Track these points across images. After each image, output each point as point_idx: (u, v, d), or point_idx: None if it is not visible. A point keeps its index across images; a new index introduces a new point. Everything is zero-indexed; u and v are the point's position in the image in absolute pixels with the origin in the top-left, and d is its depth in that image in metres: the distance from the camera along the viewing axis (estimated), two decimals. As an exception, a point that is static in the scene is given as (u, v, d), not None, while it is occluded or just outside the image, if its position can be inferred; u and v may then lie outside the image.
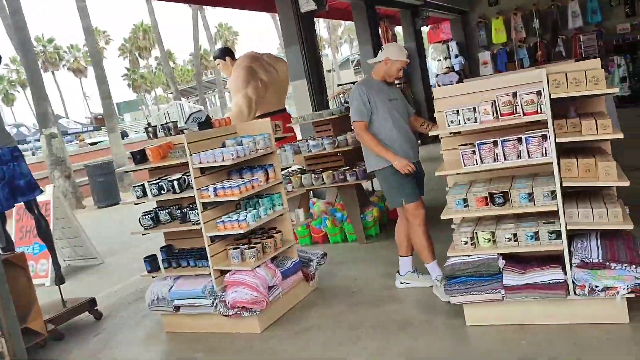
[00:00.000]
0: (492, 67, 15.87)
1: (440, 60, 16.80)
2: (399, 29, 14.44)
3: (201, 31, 41.56)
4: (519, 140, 3.41)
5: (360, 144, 4.54)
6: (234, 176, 4.67)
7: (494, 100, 3.53)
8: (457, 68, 15.51)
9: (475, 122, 3.53)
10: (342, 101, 8.15)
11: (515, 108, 3.46)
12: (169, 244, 4.87)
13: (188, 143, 4.27)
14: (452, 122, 3.59)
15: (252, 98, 7.44)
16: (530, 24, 15.43)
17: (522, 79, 3.60)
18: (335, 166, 6.42)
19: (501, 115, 3.50)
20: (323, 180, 6.28)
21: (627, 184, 3.25)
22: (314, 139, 6.43)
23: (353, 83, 8.76)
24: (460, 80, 13.74)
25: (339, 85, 8.97)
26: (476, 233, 3.64)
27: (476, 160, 3.53)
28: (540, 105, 3.32)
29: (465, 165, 3.57)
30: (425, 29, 16.96)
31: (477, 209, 3.60)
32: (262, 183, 4.56)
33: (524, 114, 3.37)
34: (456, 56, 16.04)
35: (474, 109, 3.51)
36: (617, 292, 3.28)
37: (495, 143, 3.47)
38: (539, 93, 3.31)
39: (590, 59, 3.55)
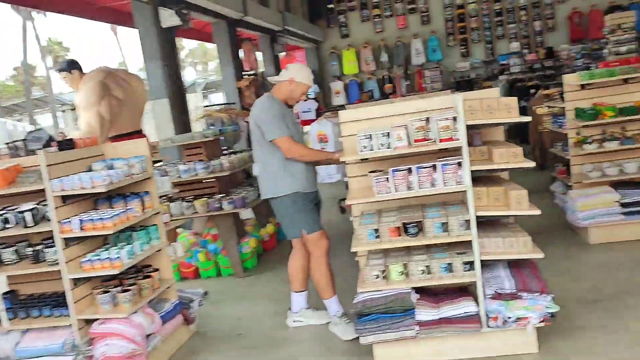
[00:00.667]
0: (345, 96, 16.35)
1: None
2: (259, 54, 14.27)
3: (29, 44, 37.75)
4: (434, 167, 3.27)
5: (240, 169, 4.13)
6: (101, 205, 3.96)
7: (406, 126, 3.37)
8: (312, 96, 15.68)
9: (389, 148, 3.32)
10: (209, 124, 7.64)
11: (428, 134, 3.33)
12: (13, 290, 3.98)
13: (47, 165, 3.52)
14: (364, 147, 3.34)
15: (104, 117, 6.59)
16: (379, 57, 16.21)
17: (433, 105, 3.50)
18: (209, 193, 5.88)
19: (414, 141, 3.34)
20: (195, 209, 5.70)
21: (538, 212, 3.25)
22: (185, 164, 5.84)
23: (223, 104, 8.29)
24: (319, 108, 13.88)
25: (205, 106, 8.43)
26: (388, 266, 3.41)
27: (389, 188, 3.31)
28: (456, 131, 3.22)
29: (378, 194, 3.33)
30: (280, 56, 16.99)
31: (390, 239, 3.38)
32: (138, 214, 3.91)
33: (440, 141, 3.24)
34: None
35: (388, 134, 3.31)
36: (529, 322, 3.25)
37: (409, 170, 3.29)
38: (454, 119, 3.20)
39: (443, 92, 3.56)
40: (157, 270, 4.08)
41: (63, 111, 25.45)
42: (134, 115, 7.34)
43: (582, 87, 5.13)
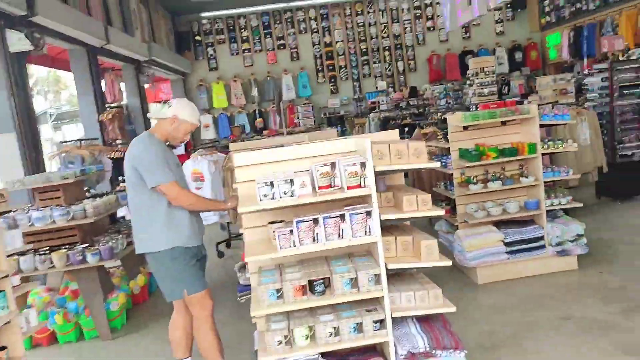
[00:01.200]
0: (214, 130, 15.83)
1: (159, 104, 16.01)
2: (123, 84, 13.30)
3: None
4: (342, 217, 2.97)
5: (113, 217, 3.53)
6: None
7: (310, 171, 3.05)
8: (179, 129, 14.95)
9: (292, 196, 2.96)
10: (67, 162, 6.75)
11: (334, 180, 3.03)
12: None
13: None
14: (264, 196, 2.95)
15: None
16: (249, 91, 15.96)
17: (336, 148, 3.22)
18: (69, 243, 5.09)
19: (319, 188, 3.02)
20: (52, 262, 4.88)
21: (449, 263, 3.08)
22: (39, 210, 5.00)
23: (84, 139, 7.41)
24: (188, 143, 13.19)
25: (62, 142, 7.48)
26: (292, 330, 3.01)
27: (294, 242, 2.94)
28: (364, 178, 2.95)
29: (281, 248, 2.95)
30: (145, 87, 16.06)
31: (295, 299, 2.99)
32: (-21, 280, 3.15)
33: (347, 188, 2.95)
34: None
35: (291, 180, 2.96)
36: (443, 381, 3.02)
37: (315, 221, 2.95)
38: (363, 165, 2.94)
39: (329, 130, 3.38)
40: (4, 348, 3.30)
41: None
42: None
43: (465, 127, 5.20)
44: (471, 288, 5.03)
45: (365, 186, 2.95)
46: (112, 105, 9.71)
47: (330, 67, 16.34)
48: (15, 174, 6.40)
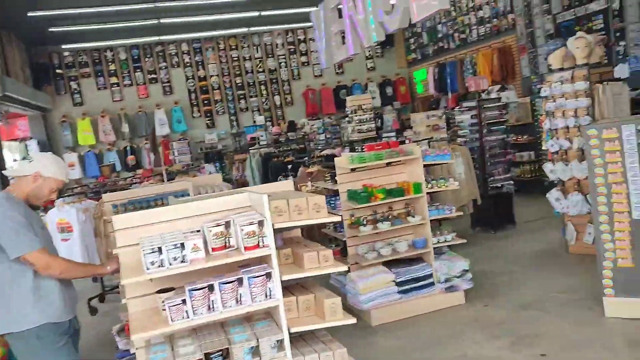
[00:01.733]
0: (80, 170, 14.71)
1: (17, 160, 14.54)
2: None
3: None
4: (240, 281, 2.72)
5: None
6: None
7: (202, 232, 2.78)
8: (40, 170, 13.67)
9: (184, 262, 2.67)
10: None
11: (229, 240, 2.78)
12: None
13: None
14: (152, 263, 2.62)
15: None
16: (120, 127, 15.10)
17: (228, 204, 2.98)
18: None
19: (212, 250, 2.76)
20: None
21: (354, 321, 2.93)
22: None
23: None
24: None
25: None
26: (187, 412, 2.68)
27: (187, 313, 2.64)
28: (263, 237, 2.74)
29: (173, 321, 2.62)
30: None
31: (189, 377, 2.67)
32: None
33: (245, 249, 2.71)
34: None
35: (182, 244, 2.66)
36: None
37: (210, 287, 2.67)
38: (261, 223, 2.72)
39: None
40: None
41: None
42: None
43: (352, 169, 5.18)
44: (367, 330, 4.96)
45: (264, 246, 2.74)
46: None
47: (206, 102, 15.99)
48: None
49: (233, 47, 16.14)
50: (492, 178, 7.54)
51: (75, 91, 15.02)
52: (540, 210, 8.61)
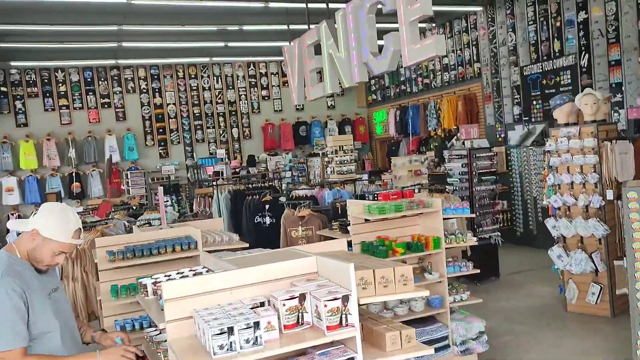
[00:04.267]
0: (20, 195, 13.58)
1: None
2: None
3: None
4: (319, 368, 2.28)
5: None
6: None
7: (272, 303, 2.33)
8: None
9: (257, 344, 2.20)
10: None
11: (302, 316, 2.34)
12: None
13: None
14: (221, 347, 2.14)
15: None
16: (66, 152, 14.12)
17: (293, 269, 2.54)
18: None
19: (284, 328, 2.31)
20: None
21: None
22: None
23: None
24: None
25: None
26: None
27: (259, 408, 2.16)
28: (347, 315, 2.32)
29: (242, 420, 2.13)
30: None
31: None
32: None
33: (327, 329, 2.28)
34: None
35: (256, 323, 2.19)
36: None
37: (287, 377, 2.22)
38: (345, 298, 2.30)
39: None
40: None
41: None
42: None
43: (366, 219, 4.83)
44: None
45: (347, 325, 2.31)
46: None
47: (160, 130, 15.29)
48: None
49: (192, 75, 15.61)
50: (480, 229, 7.39)
51: (20, 111, 13.96)
52: (521, 263, 8.54)
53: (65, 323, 2.62)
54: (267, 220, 8.02)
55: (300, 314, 2.35)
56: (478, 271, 5.04)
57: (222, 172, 11.69)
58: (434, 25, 13.30)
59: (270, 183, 10.47)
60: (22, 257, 2.54)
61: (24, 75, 13.98)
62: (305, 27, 7.87)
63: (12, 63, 13.41)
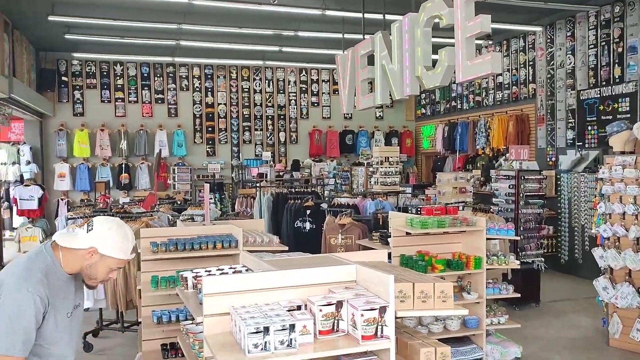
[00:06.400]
0: (70, 181, 14.06)
1: (6, 164, 13.80)
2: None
3: None
4: (351, 377, 2.26)
5: None
6: None
7: (308, 308, 2.33)
8: (28, 176, 13.00)
9: (291, 346, 2.20)
10: None
11: (338, 324, 2.34)
12: None
13: None
14: (255, 346, 2.15)
15: None
16: (118, 144, 14.54)
17: (330, 276, 2.54)
18: None
19: (319, 334, 2.30)
20: None
21: None
22: None
23: None
24: (44, 197, 11.42)
25: None
26: None
27: (289, 411, 2.16)
28: (383, 326, 2.30)
29: (271, 421, 2.14)
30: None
31: None
32: None
33: (363, 338, 2.27)
34: (28, 163, 13.50)
35: (291, 326, 2.20)
36: None
37: (318, 382, 2.21)
38: (382, 310, 2.29)
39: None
40: None
41: None
42: None
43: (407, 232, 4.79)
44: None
45: (383, 337, 2.29)
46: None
47: (210, 129, 15.58)
48: None
49: (245, 77, 15.85)
50: (523, 253, 7.21)
51: (78, 101, 14.49)
52: (564, 290, 8.29)
53: (70, 342, 2.57)
54: (307, 225, 8.04)
55: (336, 321, 2.34)
56: (518, 295, 4.91)
57: (266, 175, 11.80)
58: (490, 42, 13.10)
59: (313, 189, 10.51)
60: (64, 270, 2.47)
61: (84, 67, 14.51)
62: (360, 36, 7.91)
63: (75, 54, 13.93)
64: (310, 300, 2.36)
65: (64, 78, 14.35)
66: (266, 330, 2.16)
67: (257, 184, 10.83)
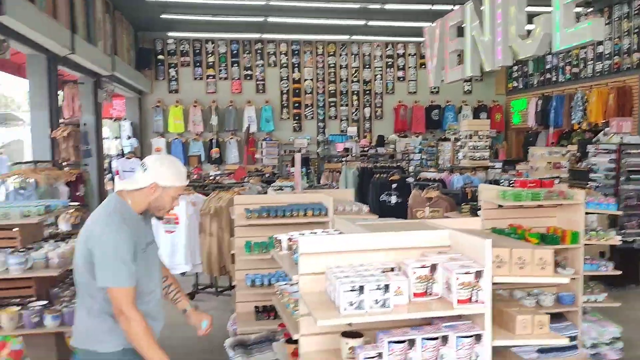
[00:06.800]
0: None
1: (109, 139, 14.77)
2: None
3: None
4: (444, 339, 2.28)
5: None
6: None
7: (402, 270, 2.36)
8: (128, 150, 13.81)
9: (385, 306, 2.25)
10: (18, 187, 5.67)
11: (432, 287, 2.35)
12: None
13: None
14: (351, 304, 2.22)
15: None
16: (209, 119, 15.09)
17: (423, 240, 2.55)
18: (21, 296, 4.08)
19: (413, 296, 2.33)
20: (-1, 323, 3.86)
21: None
22: (-12, 254, 3.98)
23: (36, 162, 6.35)
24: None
25: (14, 164, 6.38)
26: None
27: (382, 368, 2.22)
28: (478, 291, 2.29)
29: (365, 377, 2.20)
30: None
31: None
32: None
33: (458, 302, 2.27)
34: (128, 137, 14.35)
35: (386, 286, 2.24)
36: None
37: (411, 342, 2.24)
38: (478, 274, 2.27)
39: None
40: None
41: None
42: None
43: (499, 205, 4.67)
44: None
45: (477, 301, 2.28)
46: (70, 122, 8.62)
47: (296, 105, 15.80)
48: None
49: (331, 53, 15.89)
50: (623, 231, 6.83)
51: (173, 78, 15.15)
52: (667, 273, 7.78)
53: (152, 280, 2.77)
54: (393, 199, 8.03)
55: (429, 284, 2.36)
56: (619, 273, 4.68)
57: (352, 149, 11.84)
58: (590, 9, 12.30)
59: (398, 164, 10.44)
60: (135, 210, 2.71)
61: (178, 46, 15.12)
62: (449, 7, 7.69)
63: (169, 33, 14.54)
64: (404, 262, 2.39)
65: (159, 56, 15.03)
66: (361, 289, 2.22)
67: (343, 159, 10.91)
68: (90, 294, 2.65)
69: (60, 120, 8.43)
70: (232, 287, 6.46)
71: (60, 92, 8.87)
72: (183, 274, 7.20)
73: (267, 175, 9.26)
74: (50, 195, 5.77)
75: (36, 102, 8.09)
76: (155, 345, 2.58)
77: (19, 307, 3.94)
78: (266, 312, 4.33)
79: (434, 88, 16.16)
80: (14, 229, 4.16)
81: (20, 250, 4.04)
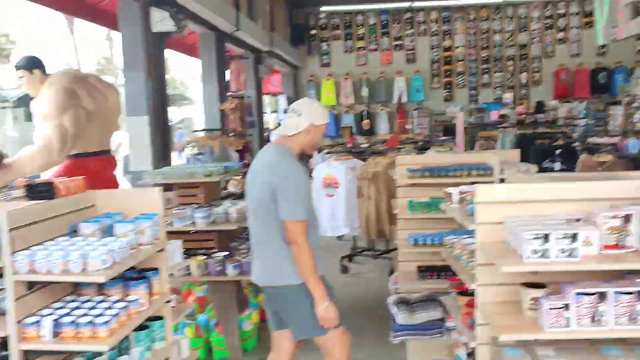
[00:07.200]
0: (319, 128, 15.26)
1: (267, 113, 15.63)
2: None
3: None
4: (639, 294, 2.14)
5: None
6: (86, 289, 2.57)
7: (591, 221, 2.24)
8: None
9: (572, 256, 2.16)
10: (196, 153, 6.29)
11: (625, 238, 2.20)
12: None
13: (12, 230, 2.14)
14: (535, 252, 2.16)
15: (68, 130, 5.09)
16: (359, 91, 15.25)
17: (619, 191, 2.38)
18: (204, 247, 4.54)
19: (604, 248, 2.20)
20: (188, 269, 4.33)
21: None
22: (178, 208, 4.46)
23: (211, 130, 6.94)
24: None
25: (194, 131, 7.08)
26: None
27: (568, 320, 2.14)
28: (680, 244, 2.10)
29: (549, 327, 2.15)
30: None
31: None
32: (145, 307, 2.56)
33: (655, 255, 2.11)
34: (285, 111, 15.05)
35: (574, 235, 2.15)
36: None
37: (601, 295, 2.13)
38: (681, 225, 2.09)
39: None
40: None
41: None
42: (104, 132, 5.81)
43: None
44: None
45: (680, 255, 2.10)
46: (237, 95, 9.26)
47: (447, 73, 15.36)
48: (144, 161, 6.06)
49: (484, 18, 15.17)
50: None
51: (324, 52, 15.52)
52: None
53: (316, 218, 3.12)
54: (557, 166, 7.56)
55: (622, 236, 2.22)
56: None
57: (509, 117, 11.30)
58: None
59: (562, 130, 9.76)
60: (295, 152, 3.02)
61: (330, 20, 15.41)
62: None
63: (322, 8, 14.88)
64: (593, 212, 2.27)
65: (312, 32, 15.46)
66: (546, 237, 2.15)
67: (499, 126, 10.47)
68: (269, 229, 2.90)
69: (228, 94, 9.08)
70: (389, 251, 6.58)
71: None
72: (340, 237, 7.48)
73: (420, 142, 9.19)
74: (224, 160, 6.28)
75: (207, 77, 8.80)
76: (318, 278, 2.84)
77: (205, 257, 4.38)
78: (429, 271, 4.35)
79: (600, 49, 14.75)
80: (198, 187, 4.62)
81: (204, 206, 4.48)
